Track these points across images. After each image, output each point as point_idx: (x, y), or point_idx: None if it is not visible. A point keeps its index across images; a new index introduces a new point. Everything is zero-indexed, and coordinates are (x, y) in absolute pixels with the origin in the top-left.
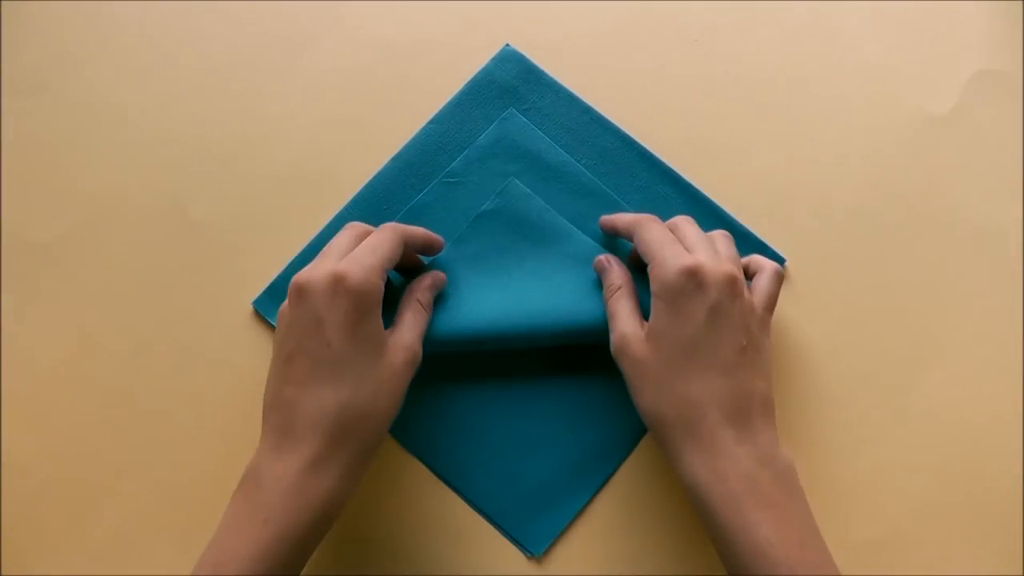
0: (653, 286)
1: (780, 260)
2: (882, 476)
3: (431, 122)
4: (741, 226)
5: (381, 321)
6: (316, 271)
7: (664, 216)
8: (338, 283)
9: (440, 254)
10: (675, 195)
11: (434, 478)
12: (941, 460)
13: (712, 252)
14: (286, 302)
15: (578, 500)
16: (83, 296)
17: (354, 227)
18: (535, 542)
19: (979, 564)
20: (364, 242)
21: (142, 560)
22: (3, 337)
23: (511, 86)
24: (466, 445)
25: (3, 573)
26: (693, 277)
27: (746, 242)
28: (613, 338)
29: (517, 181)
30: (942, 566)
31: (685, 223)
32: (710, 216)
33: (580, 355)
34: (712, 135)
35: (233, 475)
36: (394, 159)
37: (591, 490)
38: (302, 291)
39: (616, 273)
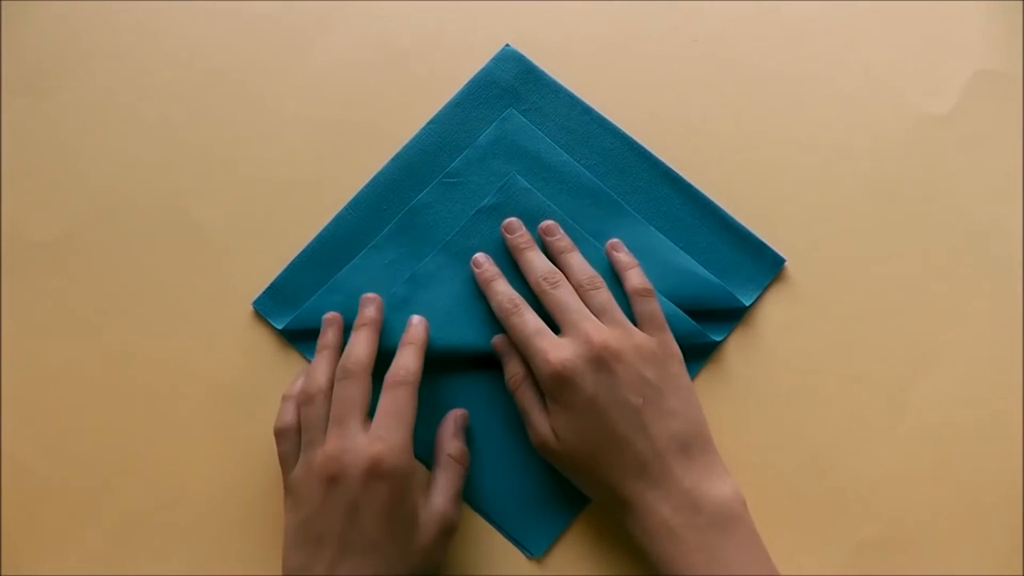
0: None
1: (780, 260)
2: (882, 476)
3: (431, 122)
4: (741, 226)
5: (416, 498)
6: (349, 453)
7: (664, 217)
8: (375, 467)
9: (440, 250)
10: (675, 195)
11: None
12: (941, 460)
13: (578, 328)
14: (305, 474)
15: (579, 501)
16: (83, 296)
17: (326, 350)
18: (535, 543)
19: (979, 564)
20: (387, 410)
21: (142, 560)
22: (3, 337)
23: (511, 86)
24: (466, 445)
25: (3, 573)
26: (560, 379)
27: (746, 242)
28: (534, 441)
29: (518, 176)
30: (942, 566)
31: (555, 288)
32: (709, 216)
33: None
34: (712, 135)
35: (233, 474)
36: (394, 159)
37: None
38: (335, 477)
39: (516, 362)
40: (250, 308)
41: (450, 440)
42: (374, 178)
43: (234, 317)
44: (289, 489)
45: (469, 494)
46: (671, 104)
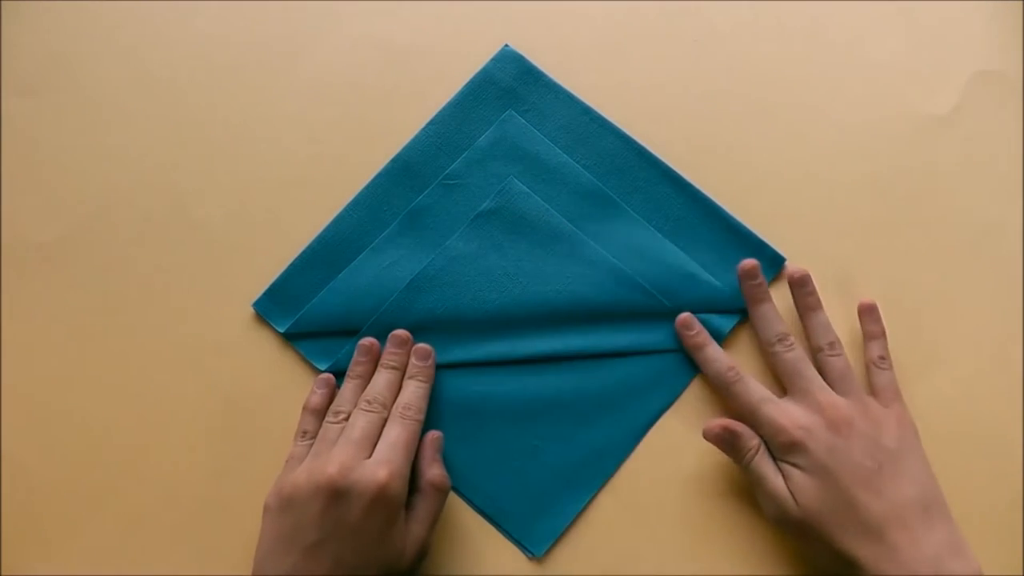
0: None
1: (780, 260)
2: None
3: (430, 123)
4: (741, 226)
5: (403, 519)
6: (356, 472)
7: (664, 217)
8: (380, 493)
9: (438, 254)
10: (675, 195)
11: None
12: (941, 460)
13: (809, 396)
14: (307, 481)
15: (579, 500)
16: (83, 296)
17: (359, 379)
18: (536, 543)
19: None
20: (393, 438)
21: (142, 560)
22: (3, 337)
23: (510, 87)
24: (467, 445)
25: (3, 573)
26: (795, 445)
27: (746, 242)
28: (770, 511)
29: (516, 180)
30: None
31: (789, 351)
32: (710, 216)
33: (579, 355)
34: (712, 135)
35: (232, 475)
36: (394, 160)
37: (592, 490)
38: (339, 493)
39: (749, 436)
40: (250, 309)
41: (429, 466)
42: (374, 179)
43: (234, 317)
44: (282, 491)
45: (469, 494)
46: (671, 104)
